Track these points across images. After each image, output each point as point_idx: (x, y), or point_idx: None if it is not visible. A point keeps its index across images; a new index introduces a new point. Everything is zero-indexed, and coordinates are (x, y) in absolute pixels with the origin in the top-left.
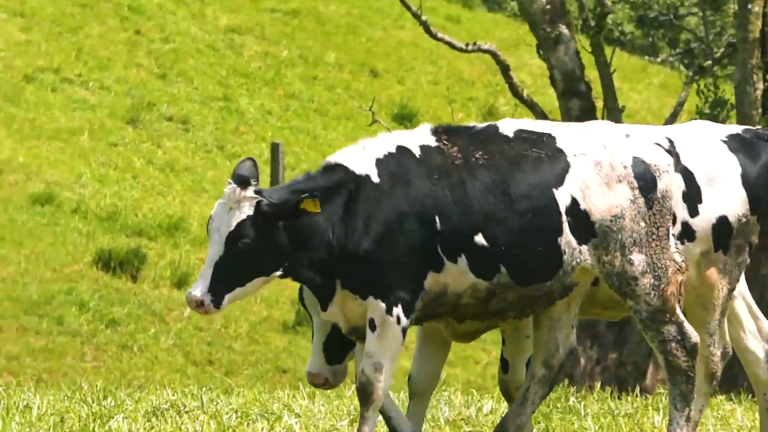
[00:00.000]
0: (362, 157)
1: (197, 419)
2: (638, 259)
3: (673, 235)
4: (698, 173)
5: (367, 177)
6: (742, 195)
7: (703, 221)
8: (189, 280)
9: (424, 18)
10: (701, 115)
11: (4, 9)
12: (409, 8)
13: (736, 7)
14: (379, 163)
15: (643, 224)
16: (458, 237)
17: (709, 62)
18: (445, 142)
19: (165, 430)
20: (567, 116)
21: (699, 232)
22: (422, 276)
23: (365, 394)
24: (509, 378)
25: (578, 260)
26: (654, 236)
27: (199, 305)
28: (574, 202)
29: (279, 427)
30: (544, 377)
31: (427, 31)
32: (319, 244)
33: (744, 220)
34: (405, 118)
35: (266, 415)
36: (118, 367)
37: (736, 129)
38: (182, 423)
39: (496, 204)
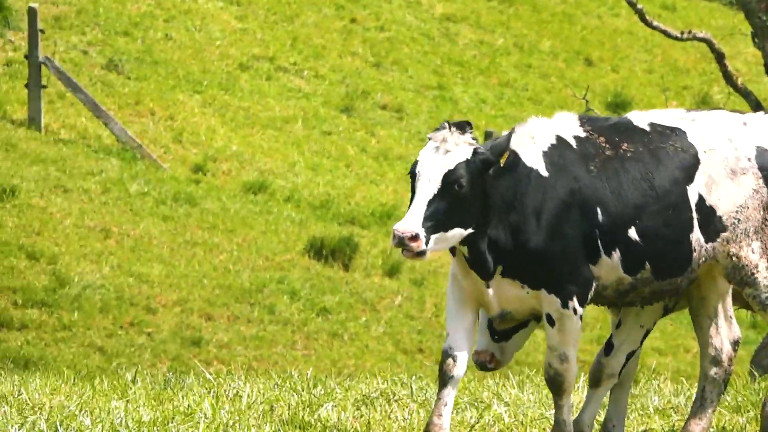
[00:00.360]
0: (532, 148)
1: (406, 407)
2: (758, 246)
3: None
4: None
5: (537, 171)
6: None
7: None
8: (401, 269)
9: (639, 6)
10: None
11: None
12: None
13: None
14: (546, 155)
15: (763, 212)
16: (615, 230)
17: None
18: (591, 132)
19: (374, 419)
20: None
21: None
22: (588, 266)
23: (556, 384)
24: (607, 362)
25: (705, 257)
26: (767, 222)
27: (413, 238)
28: (701, 199)
29: (488, 416)
30: (716, 375)
31: (643, 19)
32: (495, 220)
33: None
34: (619, 107)
35: (475, 403)
36: (328, 355)
37: None
38: (391, 411)
39: (644, 198)
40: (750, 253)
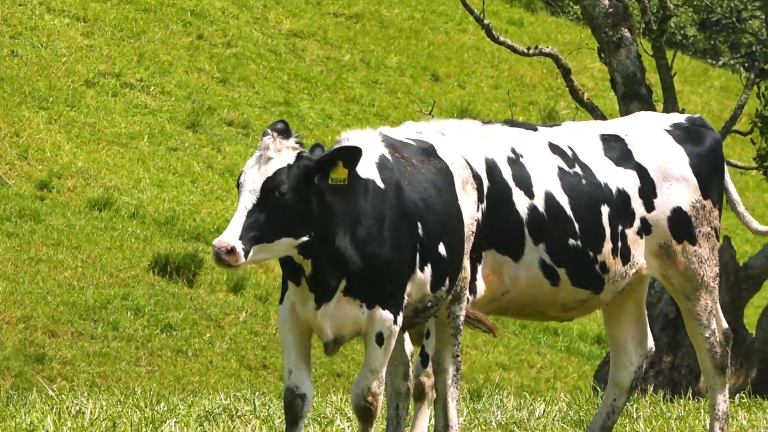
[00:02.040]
0: (364, 159)
1: (249, 423)
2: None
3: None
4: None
5: (374, 182)
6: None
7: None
8: (245, 285)
9: (486, 22)
10: (761, 117)
11: (67, 14)
12: (471, 12)
13: None
14: (378, 167)
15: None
16: (430, 245)
17: None
18: (394, 148)
19: None
20: None
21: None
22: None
23: (370, 411)
24: (429, 373)
25: None
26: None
27: (230, 252)
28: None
29: (331, 431)
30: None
31: (489, 34)
32: (341, 232)
33: (699, 204)
34: None
35: (318, 419)
36: (172, 371)
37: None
38: (234, 427)
39: (446, 213)
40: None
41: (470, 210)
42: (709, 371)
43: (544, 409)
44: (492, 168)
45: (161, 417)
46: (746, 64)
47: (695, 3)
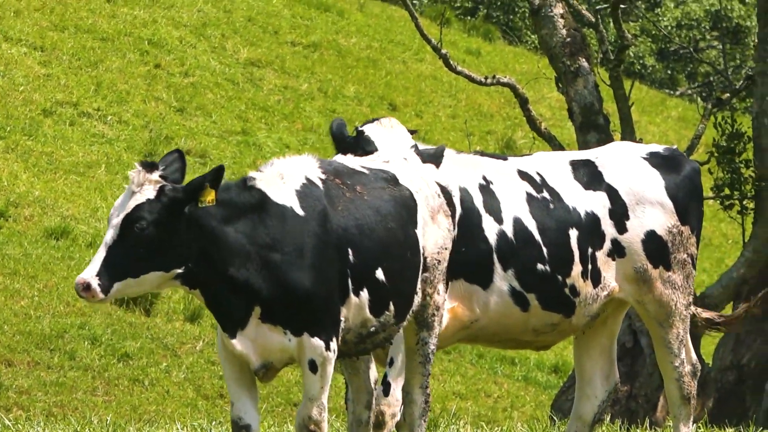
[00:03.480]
0: (282, 187)
1: None
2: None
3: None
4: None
5: (292, 209)
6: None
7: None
8: (202, 314)
9: (444, 51)
10: (717, 147)
11: (24, 43)
12: (429, 41)
13: (756, 41)
14: (299, 194)
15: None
16: (365, 270)
17: (728, 95)
18: (330, 174)
19: None
20: (585, 148)
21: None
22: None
23: None
24: (389, 402)
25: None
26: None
27: (85, 288)
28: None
29: None
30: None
31: (447, 64)
32: (239, 260)
33: (676, 230)
34: None
35: None
36: (129, 401)
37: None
38: None
39: (388, 239)
40: (436, 294)
41: (437, 238)
42: (676, 401)
43: None
44: (464, 196)
45: None
46: (703, 94)
47: (653, 33)
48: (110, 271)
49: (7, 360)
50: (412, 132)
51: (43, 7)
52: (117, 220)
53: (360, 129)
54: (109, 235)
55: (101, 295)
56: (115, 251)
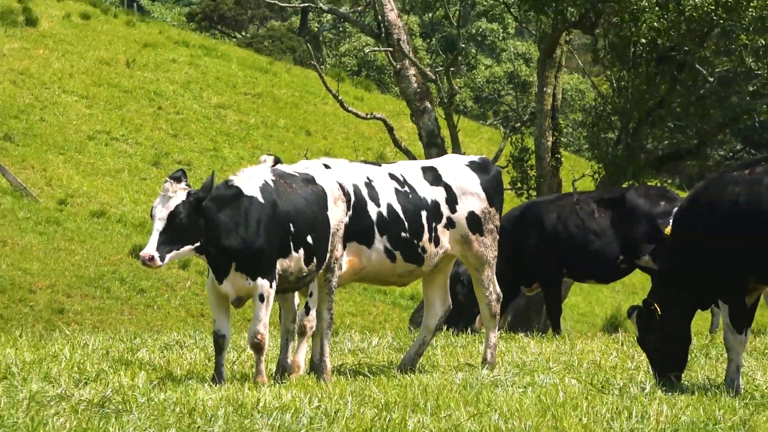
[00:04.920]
0: (251, 184)
1: (192, 351)
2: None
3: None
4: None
5: (256, 198)
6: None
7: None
8: (189, 264)
9: (339, 98)
10: (513, 158)
11: (75, 94)
12: (330, 91)
13: (536, 90)
14: (260, 189)
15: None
16: (301, 236)
17: (519, 124)
18: (279, 177)
19: (171, 358)
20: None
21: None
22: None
23: (259, 346)
24: (308, 318)
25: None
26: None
27: (150, 259)
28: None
29: (245, 356)
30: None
31: (342, 106)
32: (225, 234)
33: (487, 211)
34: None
35: (236, 348)
36: (144, 319)
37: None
38: (183, 354)
39: (314, 218)
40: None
41: (338, 216)
42: (486, 316)
43: (378, 341)
44: (356, 190)
45: (137, 347)
46: (503, 124)
47: (471, 85)
48: (162, 248)
49: (67, 293)
50: (277, 160)
51: (86, 72)
52: (163, 215)
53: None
54: (159, 225)
55: (159, 263)
56: (165, 235)
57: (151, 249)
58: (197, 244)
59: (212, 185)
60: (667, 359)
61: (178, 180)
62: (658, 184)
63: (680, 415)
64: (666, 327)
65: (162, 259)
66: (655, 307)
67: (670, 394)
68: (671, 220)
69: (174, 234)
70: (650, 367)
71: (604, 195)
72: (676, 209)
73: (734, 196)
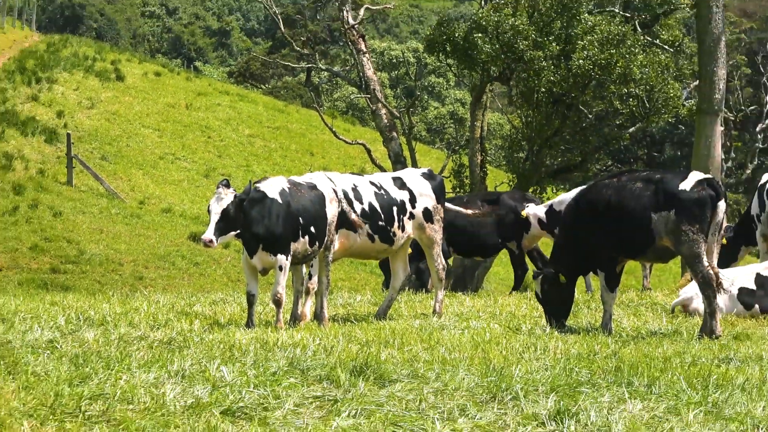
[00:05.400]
0: (273, 189)
1: (232, 305)
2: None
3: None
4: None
5: (276, 200)
6: (432, 197)
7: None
8: (229, 245)
9: (333, 129)
10: (453, 171)
11: (150, 127)
12: (327, 125)
13: (469, 124)
14: (280, 193)
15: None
16: (307, 227)
17: (458, 147)
18: (293, 184)
19: (217, 310)
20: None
21: (416, 215)
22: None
23: (279, 302)
24: (312, 282)
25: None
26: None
27: (209, 242)
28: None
29: (268, 309)
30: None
31: (335, 135)
32: (255, 224)
33: (435, 207)
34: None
35: (262, 303)
36: (198, 283)
37: (424, 170)
38: (225, 307)
39: (314, 214)
40: (332, 236)
41: (333, 212)
42: (435, 280)
43: (360, 298)
44: (345, 193)
45: (193, 303)
46: (447, 147)
47: (424, 120)
48: (216, 233)
49: (145, 266)
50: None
51: (158, 112)
52: (218, 210)
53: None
54: (215, 217)
55: (215, 244)
56: (218, 224)
57: (209, 234)
58: (237, 231)
59: (250, 190)
60: (558, 311)
61: (227, 186)
62: (555, 189)
63: (570, 348)
64: (560, 288)
65: (216, 241)
66: (561, 274)
67: (562, 333)
68: (529, 209)
69: (224, 224)
70: (545, 315)
71: (486, 196)
72: (564, 207)
73: (607, 197)
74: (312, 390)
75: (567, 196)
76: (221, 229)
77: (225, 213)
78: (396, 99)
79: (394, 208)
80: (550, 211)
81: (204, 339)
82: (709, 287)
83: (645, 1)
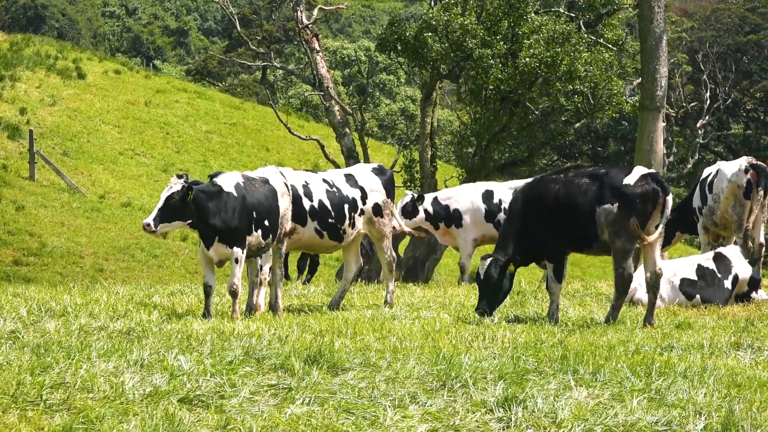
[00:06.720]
0: (229, 183)
1: (189, 296)
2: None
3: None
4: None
5: (232, 193)
6: (383, 191)
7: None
8: (188, 238)
9: (288, 125)
10: (404, 165)
11: (110, 124)
12: (281, 122)
13: (420, 120)
14: (235, 186)
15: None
16: (261, 220)
17: (408, 143)
18: (247, 178)
19: (175, 301)
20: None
21: (366, 211)
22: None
23: (235, 293)
24: (263, 273)
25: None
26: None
27: (147, 226)
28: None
29: (224, 300)
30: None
31: (290, 131)
32: (211, 216)
33: (385, 202)
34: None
35: (219, 294)
36: (157, 275)
37: (375, 165)
38: (183, 298)
39: (268, 207)
40: (283, 229)
41: (285, 206)
42: (386, 271)
43: (314, 289)
44: (295, 188)
45: (152, 294)
46: (398, 143)
47: (376, 117)
48: (157, 219)
49: (105, 258)
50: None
51: (118, 109)
52: (164, 196)
53: (209, 175)
54: (161, 202)
55: (154, 229)
56: (161, 210)
57: (149, 218)
58: (189, 221)
59: (198, 183)
60: (495, 297)
61: (180, 177)
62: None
63: (518, 337)
64: (504, 276)
65: (156, 227)
66: (511, 263)
67: (491, 321)
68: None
69: (168, 212)
70: (478, 299)
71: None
72: (510, 200)
73: (555, 191)
74: (267, 378)
75: (453, 192)
76: (164, 216)
77: (168, 200)
78: (349, 96)
79: (346, 206)
80: (435, 202)
81: (162, 329)
82: (626, 285)
83: (589, 2)
